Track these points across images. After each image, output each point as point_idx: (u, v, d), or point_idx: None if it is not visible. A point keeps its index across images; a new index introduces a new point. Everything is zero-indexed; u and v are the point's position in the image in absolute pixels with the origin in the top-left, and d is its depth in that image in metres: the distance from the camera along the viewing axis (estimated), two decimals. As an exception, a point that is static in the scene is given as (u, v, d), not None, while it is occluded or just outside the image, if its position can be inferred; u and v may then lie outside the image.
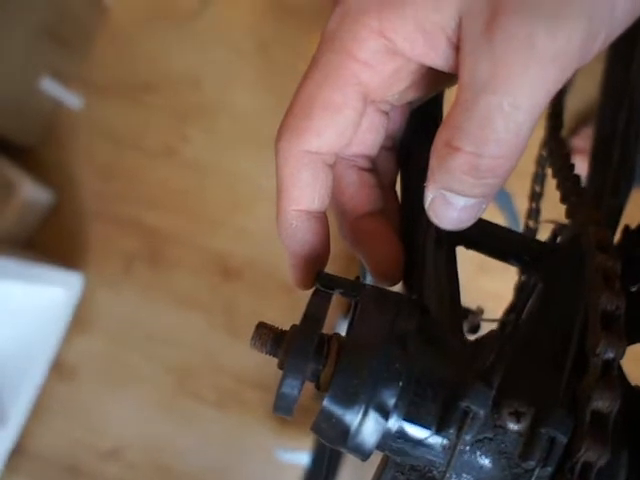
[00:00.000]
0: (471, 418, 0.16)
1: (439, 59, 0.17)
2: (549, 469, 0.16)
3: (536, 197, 0.34)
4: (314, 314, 0.18)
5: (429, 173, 0.18)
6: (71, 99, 0.99)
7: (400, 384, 0.16)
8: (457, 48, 0.17)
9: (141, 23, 1.06)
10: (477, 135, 0.16)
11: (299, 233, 0.20)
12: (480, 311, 0.34)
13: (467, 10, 0.16)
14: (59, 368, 0.95)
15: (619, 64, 0.27)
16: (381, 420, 0.16)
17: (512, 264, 0.24)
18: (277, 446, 0.88)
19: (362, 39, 0.17)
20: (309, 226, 0.20)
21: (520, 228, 0.39)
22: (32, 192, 0.95)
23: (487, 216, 0.21)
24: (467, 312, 0.33)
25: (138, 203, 1.00)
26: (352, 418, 0.16)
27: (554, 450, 0.16)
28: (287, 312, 0.91)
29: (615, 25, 0.16)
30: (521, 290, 0.32)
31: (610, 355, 0.16)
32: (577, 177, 0.27)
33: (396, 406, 0.16)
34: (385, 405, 0.16)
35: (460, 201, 0.18)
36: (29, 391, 0.91)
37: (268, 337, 0.19)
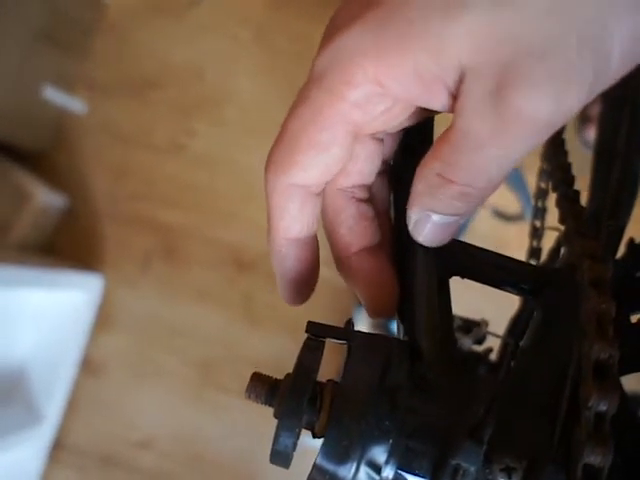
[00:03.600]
0: (462, 474, 0.16)
1: (434, 103, 0.17)
2: None
3: (540, 213, 0.33)
4: (307, 364, 0.18)
5: (413, 197, 0.19)
6: (74, 104, 0.99)
7: (390, 441, 0.17)
8: (454, 97, 0.17)
9: (139, 18, 1.05)
10: (471, 174, 0.17)
11: (288, 260, 0.21)
12: (485, 323, 0.34)
13: (473, 69, 0.16)
14: (88, 366, 0.98)
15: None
16: (373, 474, 0.17)
17: (510, 292, 0.24)
18: (304, 438, 0.91)
19: (355, 83, 0.17)
20: (297, 253, 0.21)
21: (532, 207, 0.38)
22: (46, 198, 0.97)
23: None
24: (472, 325, 0.34)
25: (151, 201, 1.01)
26: (345, 474, 0.17)
27: None
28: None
29: (610, 77, 0.16)
30: (519, 316, 0.32)
31: (602, 408, 0.16)
32: (577, 194, 0.26)
33: (387, 461, 0.17)
34: (376, 461, 0.17)
35: (444, 220, 0.19)
36: (61, 390, 0.95)
37: (263, 388, 0.19)
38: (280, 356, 0.92)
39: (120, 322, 0.99)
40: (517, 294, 0.24)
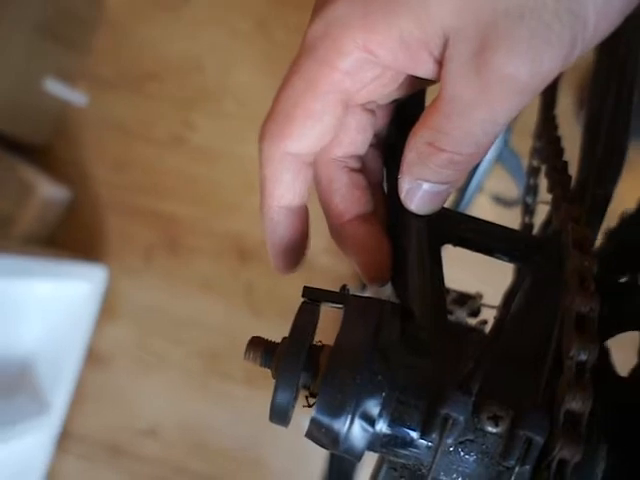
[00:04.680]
0: (452, 424, 0.17)
1: (421, 71, 0.18)
2: (527, 467, 0.17)
3: (532, 191, 0.34)
4: (303, 327, 0.19)
5: (404, 166, 0.20)
6: (76, 97, 1.00)
7: (383, 394, 0.17)
8: (440, 63, 0.17)
9: (138, 13, 1.05)
10: (459, 139, 0.18)
11: (279, 227, 0.22)
12: (479, 296, 0.35)
13: (454, 34, 0.16)
14: (94, 356, 1.00)
15: (605, 55, 0.27)
16: (367, 427, 0.18)
17: (501, 259, 0.25)
18: (303, 418, 0.92)
19: (345, 52, 0.18)
20: (289, 221, 0.22)
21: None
22: (49, 191, 0.98)
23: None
24: (466, 297, 0.34)
25: (152, 193, 1.02)
26: (340, 427, 0.17)
27: (531, 450, 0.16)
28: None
29: (590, 40, 0.16)
30: (512, 289, 0.33)
31: (583, 357, 0.17)
32: (565, 164, 0.27)
33: (381, 414, 0.17)
34: (370, 414, 0.17)
35: (434, 188, 0.20)
36: (67, 380, 0.96)
37: (261, 350, 0.20)
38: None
39: (124, 313, 1.00)
40: (508, 261, 0.25)
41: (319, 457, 0.82)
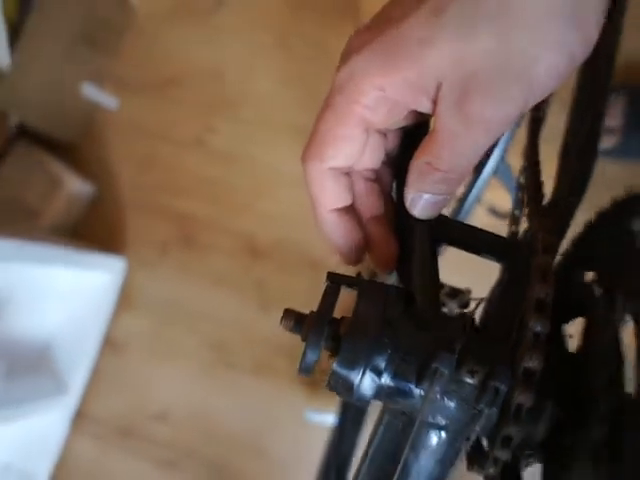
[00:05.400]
0: (439, 375, 0.21)
1: (420, 107, 0.24)
2: (495, 409, 0.21)
3: (519, 204, 0.40)
4: (327, 303, 0.24)
5: (409, 181, 0.25)
6: (108, 100, 1.06)
7: (389, 353, 0.22)
8: (434, 102, 0.23)
9: (165, 22, 1.12)
10: (450, 162, 0.24)
11: (335, 228, 0.27)
12: (468, 291, 0.41)
13: (444, 82, 0.22)
14: (110, 343, 1.05)
15: (586, 84, 0.33)
16: (375, 378, 0.22)
17: (485, 257, 0.31)
18: (307, 408, 0.98)
19: (366, 91, 0.23)
20: (341, 221, 0.27)
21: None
22: (76, 185, 1.04)
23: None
24: (457, 292, 0.40)
25: (172, 192, 1.08)
26: (354, 378, 0.22)
27: (498, 397, 0.21)
28: (312, 286, 0.98)
29: (537, 95, 0.22)
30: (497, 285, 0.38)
31: (538, 329, 0.21)
32: (540, 183, 0.33)
33: (386, 369, 0.22)
34: (378, 368, 0.22)
35: (432, 198, 0.25)
36: (85, 363, 1.02)
37: (293, 320, 0.25)
38: (291, 339, 0.99)
39: (140, 304, 1.06)
40: (491, 259, 0.31)
41: (319, 446, 0.87)
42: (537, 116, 0.41)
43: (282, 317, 0.25)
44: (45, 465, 1.01)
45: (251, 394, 1.02)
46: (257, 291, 1.04)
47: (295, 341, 0.95)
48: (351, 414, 0.60)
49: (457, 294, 0.39)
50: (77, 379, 1.01)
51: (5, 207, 1.02)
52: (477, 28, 0.21)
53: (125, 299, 1.05)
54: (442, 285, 0.39)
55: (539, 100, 0.22)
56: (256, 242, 1.05)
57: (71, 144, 1.09)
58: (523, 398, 0.21)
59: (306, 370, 0.24)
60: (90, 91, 1.00)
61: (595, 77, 0.31)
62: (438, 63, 0.21)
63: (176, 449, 1.03)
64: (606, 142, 0.92)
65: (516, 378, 0.21)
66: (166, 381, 1.04)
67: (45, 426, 1.00)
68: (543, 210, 0.29)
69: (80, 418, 1.05)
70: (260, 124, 1.07)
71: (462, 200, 0.68)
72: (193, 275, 1.06)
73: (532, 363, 0.21)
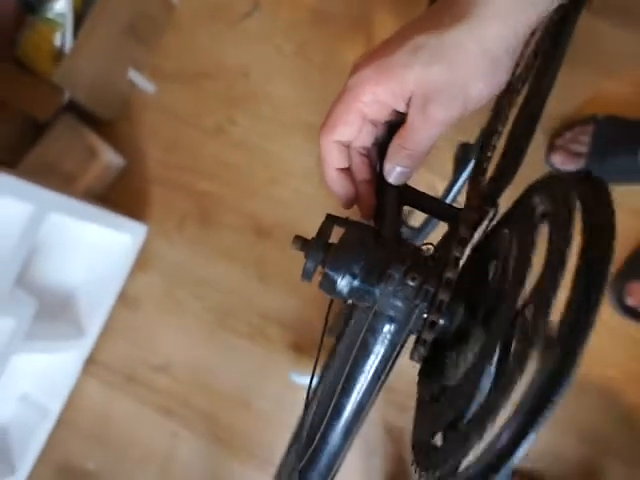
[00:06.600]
0: (392, 278, 0.31)
1: (399, 108, 0.33)
2: (425, 304, 0.30)
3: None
4: (324, 231, 0.34)
5: (387, 157, 0.37)
6: (147, 85, 1.21)
7: (361, 263, 0.32)
8: (408, 105, 0.33)
9: (201, 22, 1.26)
10: (414, 143, 0.36)
11: (336, 181, 0.37)
12: (428, 247, 0.54)
13: (414, 92, 0.32)
14: (124, 298, 1.18)
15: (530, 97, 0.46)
16: (350, 280, 0.32)
17: (436, 217, 0.44)
18: (292, 371, 1.11)
19: (365, 93, 0.33)
20: (340, 177, 0.37)
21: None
22: (110, 157, 1.18)
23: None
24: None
25: (193, 172, 1.22)
26: (337, 278, 0.31)
27: (428, 295, 0.30)
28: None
29: (470, 108, 0.34)
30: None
31: (457, 254, 0.30)
32: (483, 162, 0.46)
33: (359, 274, 0.31)
34: (352, 272, 0.32)
35: (402, 170, 0.37)
36: (102, 314, 1.15)
37: (300, 242, 0.34)
38: (283, 308, 1.12)
39: (155, 267, 1.19)
40: (439, 219, 0.44)
41: (300, 404, 0.99)
42: (515, 88, 0.49)
43: (292, 240, 0.35)
44: (58, 400, 1.13)
45: (244, 356, 1.14)
46: (258, 266, 1.17)
47: (288, 313, 1.16)
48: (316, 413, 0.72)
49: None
50: (93, 327, 1.14)
51: (46, 170, 1.15)
52: (437, 64, 0.31)
53: (142, 261, 1.18)
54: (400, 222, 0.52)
55: (471, 111, 0.35)
56: (262, 223, 1.18)
57: (109, 121, 1.23)
58: (443, 295, 0.30)
59: (307, 275, 0.34)
60: (134, 76, 1.14)
61: (532, 100, 0.45)
62: (412, 81, 0.32)
63: (173, 398, 1.15)
64: (574, 164, 1.06)
65: (440, 284, 0.30)
66: (170, 337, 1.17)
67: (61, 365, 1.13)
68: (474, 192, 0.42)
69: (91, 363, 1.17)
70: (276, 120, 1.21)
71: (442, 199, 0.81)
72: (204, 246, 1.19)
73: (450, 275, 0.30)
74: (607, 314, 1.03)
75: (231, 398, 1.13)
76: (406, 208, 0.43)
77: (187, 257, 1.19)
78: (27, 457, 1.10)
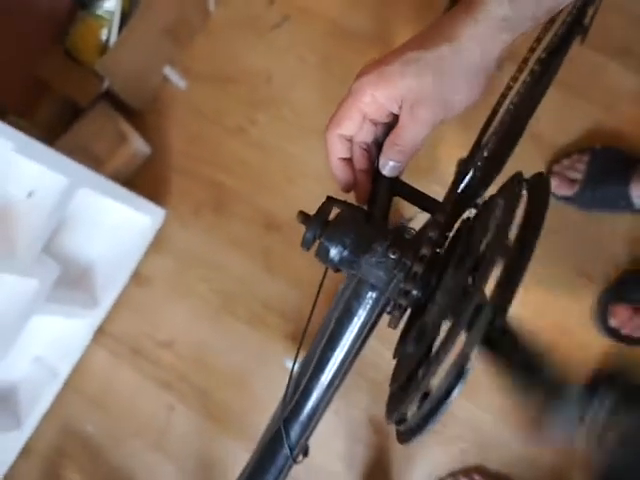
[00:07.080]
0: (375, 251, 0.37)
1: (394, 110, 0.38)
2: (402, 274, 0.35)
3: None
4: (323, 210, 0.40)
5: (382, 152, 0.44)
6: (180, 82, 1.30)
7: (352, 236, 0.37)
8: (400, 108, 0.38)
9: (233, 29, 1.36)
10: (404, 140, 0.43)
11: (338, 169, 0.42)
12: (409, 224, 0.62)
13: (405, 97, 0.37)
14: (137, 276, 1.26)
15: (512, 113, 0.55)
16: (342, 250, 0.37)
17: (421, 209, 0.52)
18: (286, 357, 1.18)
19: (366, 95, 0.38)
20: (342, 165, 0.42)
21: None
22: (138, 144, 1.27)
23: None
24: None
25: (212, 165, 1.30)
26: (331, 248, 0.37)
27: (405, 267, 0.35)
28: (309, 262, 1.19)
29: (452, 114, 0.42)
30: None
31: (430, 234, 0.39)
32: (455, 182, 0.54)
33: (349, 245, 0.37)
34: (343, 244, 0.37)
35: (394, 164, 0.44)
36: (116, 288, 1.23)
37: (303, 217, 0.39)
38: (284, 300, 1.20)
39: (169, 249, 1.27)
40: (423, 210, 0.51)
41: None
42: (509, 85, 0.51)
43: (297, 215, 0.40)
44: (67, 364, 1.21)
45: (243, 340, 1.20)
46: (264, 257, 1.23)
47: (288, 304, 1.27)
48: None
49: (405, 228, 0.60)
50: (106, 299, 1.21)
51: (78, 150, 1.24)
52: (424, 76, 0.37)
53: (157, 242, 1.26)
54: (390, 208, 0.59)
55: (453, 116, 0.42)
56: (272, 218, 1.25)
57: (140, 111, 1.32)
58: (417, 268, 0.36)
59: (306, 244, 0.39)
60: (169, 72, 1.24)
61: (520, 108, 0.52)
62: (404, 88, 0.37)
63: (174, 373, 1.22)
64: (569, 190, 1.13)
65: (415, 258, 0.36)
66: (176, 316, 1.24)
67: (74, 332, 1.21)
68: (453, 190, 0.49)
69: (101, 333, 1.25)
70: (294, 124, 1.29)
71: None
72: (216, 234, 1.27)
73: (424, 251, 0.35)
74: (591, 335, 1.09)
75: (227, 378, 1.20)
76: (408, 217, 0.51)
77: (200, 243, 1.27)
78: (33, 414, 1.18)
